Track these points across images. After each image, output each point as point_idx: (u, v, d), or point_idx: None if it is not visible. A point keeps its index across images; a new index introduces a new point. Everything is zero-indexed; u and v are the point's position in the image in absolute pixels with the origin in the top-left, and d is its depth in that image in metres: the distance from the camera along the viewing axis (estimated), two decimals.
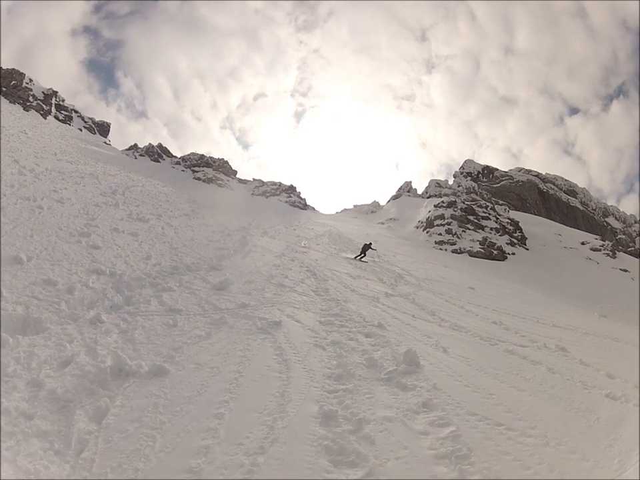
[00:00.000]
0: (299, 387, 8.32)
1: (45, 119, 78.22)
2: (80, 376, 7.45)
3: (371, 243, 33.56)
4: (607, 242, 77.60)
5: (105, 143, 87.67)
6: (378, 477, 5.92)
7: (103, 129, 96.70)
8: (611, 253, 71.85)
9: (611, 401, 9.16)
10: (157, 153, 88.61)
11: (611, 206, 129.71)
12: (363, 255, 32.05)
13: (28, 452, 5.46)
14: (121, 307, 11.28)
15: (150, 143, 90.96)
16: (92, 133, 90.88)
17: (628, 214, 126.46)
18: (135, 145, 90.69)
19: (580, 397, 9.24)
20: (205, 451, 6.03)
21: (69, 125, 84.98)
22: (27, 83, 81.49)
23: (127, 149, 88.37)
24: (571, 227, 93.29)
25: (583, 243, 74.78)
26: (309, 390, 8.29)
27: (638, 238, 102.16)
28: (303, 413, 7.38)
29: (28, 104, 77.54)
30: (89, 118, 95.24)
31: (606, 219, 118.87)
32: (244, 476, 5.62)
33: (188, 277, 15.41)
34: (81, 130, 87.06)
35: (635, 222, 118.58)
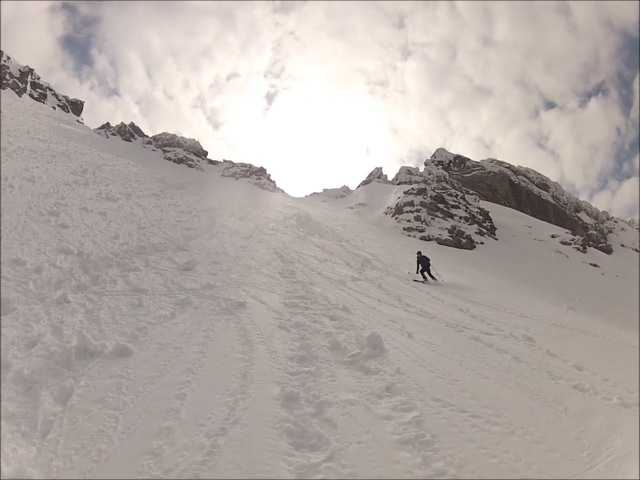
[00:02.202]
0: (262, 369, 8.34)
1: (20, 97, 77.86)
2: (46, 357, 7.45)
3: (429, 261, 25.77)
4: (577, 236, 78.37)
5: (78, 121, 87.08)
6: (340, 460, 5.93)
7: (76, 107, 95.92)
8: (581, 248, 72.71)
9: (579, 392, 9.14)
10: (129, 132, 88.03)
11: (583, 201, 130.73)
12: (423, 275, 24.92)
13: None
14: (88, 287, 11.24)
15: (122, 122, 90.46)
16: (65, 111, 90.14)
17: (600, 210, 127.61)
18: (107, 123, 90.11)
19: (547, 387, 9.22)
20: (166, 432, 6.07)
21: (43, 103, 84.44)
22: (5, 61, 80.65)
23: (99, 128, 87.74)
24: (542, 220, 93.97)
25: (553, 236, 75.53)
26: (271, 371, 8.31)
27: (610, 234, 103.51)
28: (264, 394, 7.38)
29: (4, 82, 76.78)
30: (62, 96, 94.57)
31: (577, 214, 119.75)
32: (204, 457, 5.65)
33: (155, 257, 15.46)
34: (54, 108, 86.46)
35: (608, 218, 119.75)
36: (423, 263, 25.53)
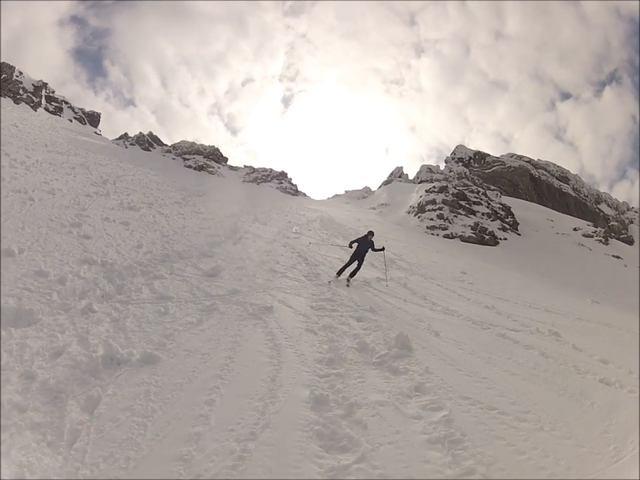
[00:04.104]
0: (290, 372, 8.33)
1: (36, 111, 78.46)
2: (72, 366, 7.42)
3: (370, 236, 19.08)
4: (599, 228, 78.01)
5: (96, 133, 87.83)
6: (370, 462, 5.89)
7: (93, 119, 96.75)
8: (603, 240, 72.29)
9: (605, 386, 9.02)
10: (148, 142, 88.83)
11: (604, 193, 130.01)
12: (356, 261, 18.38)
13: (21, 445, 5.43)
14: (113, 296, 11.24)
15: (140, 132, 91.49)
16: (82, 123, 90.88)
17: (620, 201, 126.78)
18: (126, 134, 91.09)
19: (574, 382, 9.13)
20: (195, 438, 6.04)
21: (59, 116, 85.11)
22: (17, 76, 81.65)
23: (117, 139, 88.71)
24: (563, 213, 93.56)
25: (575, 229, 75.11)
26: (300, 374, 8.30)
27: (631, 225, 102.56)
28: (294, 397, 7.37)
29: (18, 97, 77.88)
30: (79, 109, 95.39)
31: (598, 206, 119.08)
32: (235, 462, 5.62)
33: (179, 265, 15.44)
34: (71, 121, 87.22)
35: (628, 209, 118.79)
36: (359, 252, 18.65)
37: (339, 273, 17.86)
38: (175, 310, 11.08)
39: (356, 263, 18.37)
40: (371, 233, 19.41)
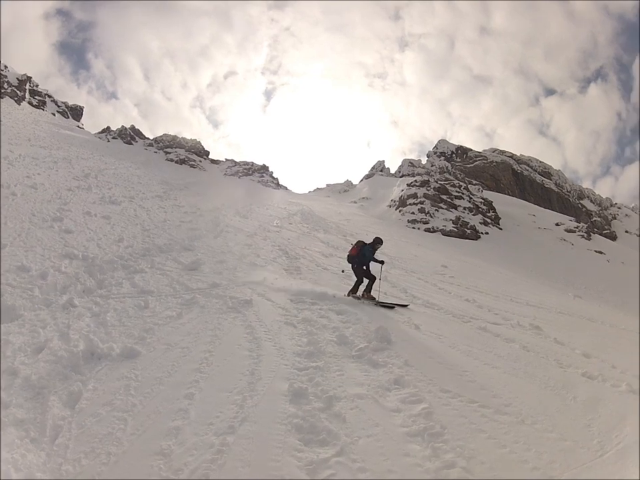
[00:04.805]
0: (269, 365, 8.35)
1: (19, 105, 78.01)
2: (53, 361, 7.46)
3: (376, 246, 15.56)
4: (581, 224, 78.41)
5: (78, 126, 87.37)
6: (349, 455, 5.87)
7: (75, 112, 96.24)
8: (585, 235, 72.82)
9: (587, 380, 9.05)
10: (130, 135, 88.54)
11: (587, 188, 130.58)
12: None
13: (5, 442, 5.45)
14: (93, 291, 11.30)
15: (123, 126, 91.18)
16: (65, 117, 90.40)
17: (604, 197, 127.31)
18: (108, 127, 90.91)
19: (555, 376, 9.10)
20: (175, 432, 6.05)
21: (43, 110, 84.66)
22: (2, 70, 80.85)
23: (99, 132, 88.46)
24: (545, 208, 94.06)
25: (557, 224, 75.65)
26: (279, 368, 8.32)
27: (614, 221, 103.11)
28: (272, 391, 7.37)
29: (2, 91, 77.04)
30: (62, 102, 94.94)
31: (581, 202, 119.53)
32: (214, 456, 5.61)
33: (160, 258, 15.56)
34: (54, 114, 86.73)
35: (611, 205, 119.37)
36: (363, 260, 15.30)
37: (353, 292, 14.74)
38: (155, 304, 11.13)
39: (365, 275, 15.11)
40: (378, 241, 15.61)
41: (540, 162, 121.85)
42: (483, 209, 68.85)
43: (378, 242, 15.67)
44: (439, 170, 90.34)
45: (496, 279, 27.38)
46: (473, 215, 65.45)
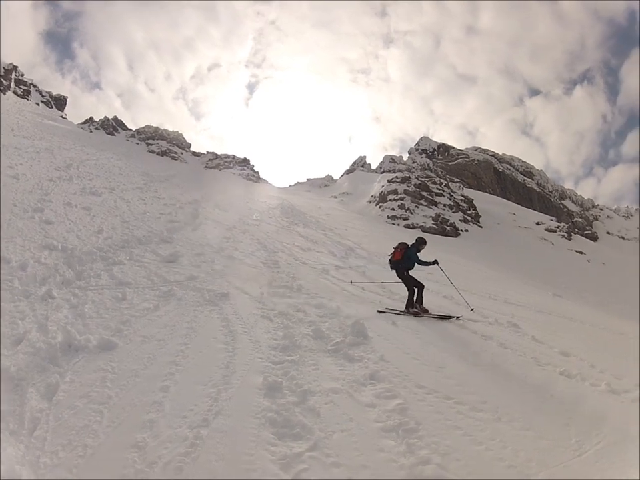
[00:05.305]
0: (244, 359, 8.37)
1: (4, 94, 77.54)
2: (32, 353, 7.48)
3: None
4: (562, 224, 78.89)
5: (62, 116, 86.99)
6: (323, 450, 5.84)
7: (59, 102, 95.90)
8: (566, 235, 73.31)
9: (565, 378, 8.94)
10: (112, 126, 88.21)
11: (568, 189, 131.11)
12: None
13: None
14: (72, 282, 11.34)
15: (105, 116, 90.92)
16: (49, 107, 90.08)
17: (585, 198, 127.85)
18: (91, 118, 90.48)
19: (533, 374, 9.07)
20: (150, 425, 6.04)
21: (27, 99, 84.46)
22: None
23: (82, 123, 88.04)
24: (526, 207, 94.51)
25: (537, 224, 76.12)
26: (254, 361, 8.33)
27: (595, 222, 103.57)
28: (247, 384, 7.38)
29: None
30: (46, 92, 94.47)
31: (562, 202, 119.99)
32: (187, 449, 5.59)
33: (138, 250, 15.61)
34: (38, 104, 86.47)
35: (593, 206, 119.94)
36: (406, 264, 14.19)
37: (411, 306, 13.34)
38: (133, 296, 11.17)
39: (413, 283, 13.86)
40: (422, 242, 14.48)
41: (522, 161, 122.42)
42: (464, 207, 69.16)
43: (422, 242, 14.44)
44: (420, 167, 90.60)
45: (475, 276, 27.52)
46: (453, 212, 65.73)
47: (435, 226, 59.63)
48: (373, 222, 54.30)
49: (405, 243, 14.41)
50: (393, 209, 62.49)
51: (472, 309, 13.98)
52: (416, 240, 14.45)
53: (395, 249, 14.34)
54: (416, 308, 13.27)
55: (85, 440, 5.65)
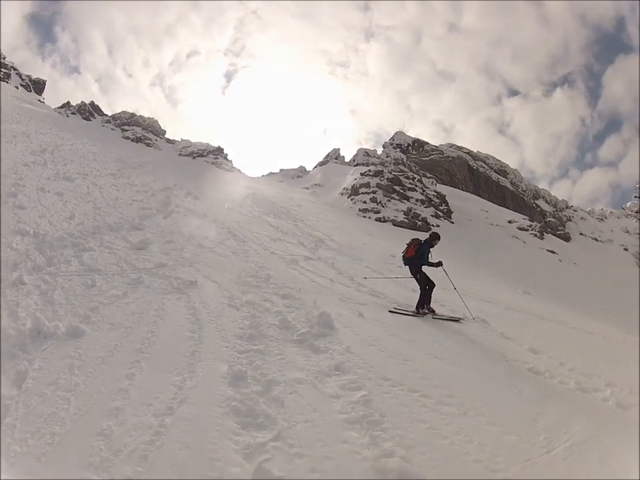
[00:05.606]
0: (210, 347, 8.45)
1: None
2: (2, 340, 7.40)
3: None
4: (535, 223, 79.39)
5: (40, 100, 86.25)
6: (287, 440, 5.83)
7: (38, 86, 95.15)
8: (538, 234, 73.79)
9: (534, 375, 9.21)
10: (89, 111, 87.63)
11: (542, 189, 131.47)
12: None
13: None
14: (43, 268, 11.34)
15: (82, 101, 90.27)
16: (28, 90, 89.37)
17: (559, 198, 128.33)
18: (68, 102, 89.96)
19: (501, 369, 9.32)
20: (115, 413, 5.98)
21: (7, 82, 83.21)
22: None
23: (59, 107, 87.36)
24: (500, 205, 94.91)
25: (510, 222, 76.53)
26: (220, 350, 8.41)
27: (568, 222, 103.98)
28: (212, 372, 7.44)
29: None
30: (26, 75, 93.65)
31: (536, 201, 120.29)
32: (152, 437, 5.61)
33: (109, 237, 15.57)
34: (17, 88, 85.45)
35: (567, 207, 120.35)
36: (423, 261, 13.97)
37: (421, 306, 13.23)
38: (102, 283, 11.19)
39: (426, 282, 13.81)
40: (436, 237, 14.28)
41: (497, 160, 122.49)
42: (436, 202, 69.45)
43: (435, 237, 14.13)
44: (393, 161, 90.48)
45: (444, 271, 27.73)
46: (425, 207, 65.99)
47: (406, 220, 59.81)
48: (344, 214, 54.28)
49: (418, 239, 14.29)
50: (364, 202, 62.53)
51: (474, 318, 13.75)
52: (430, 235, 14.32)
53: (408, 245, 14.21)
54: (425, 309, 13.25)
55: (53, 428, 5.60)
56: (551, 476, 5.83)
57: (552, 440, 6.52)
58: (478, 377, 8.79)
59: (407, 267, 14.15)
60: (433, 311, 13.22)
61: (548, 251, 68.68)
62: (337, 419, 6.46)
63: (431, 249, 13.92)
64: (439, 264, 13.67)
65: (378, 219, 59.07)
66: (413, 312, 13.07)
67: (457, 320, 13.07)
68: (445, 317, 13.16)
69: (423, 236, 14.81)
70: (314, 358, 8.62)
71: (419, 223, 60.26)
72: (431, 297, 13.44)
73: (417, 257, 13.78)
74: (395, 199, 64.45)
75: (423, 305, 13.21)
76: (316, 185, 76.20)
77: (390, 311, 12.93)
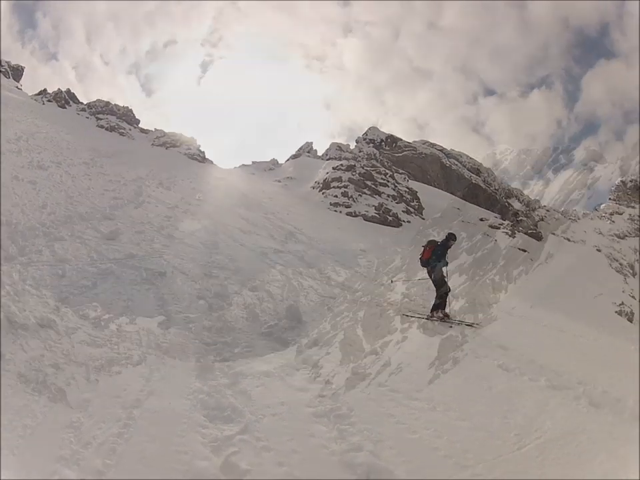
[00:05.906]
0: (178, 339, 8.56)
1: None
2: None
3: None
4: (506, 221, 79.82)
5: (17, 87, 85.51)
6: (254, 433, 5.97)
7: (17, 72, 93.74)
8: (510, 232, 74.23)
9: (504, 372, 9.02)
10: (65, 99, 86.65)
11: (515, 189, 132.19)
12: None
13: None
14: (15, 258, 11.33)
15: (59, 88, 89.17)
16: (6, 77, 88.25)
17: (532, 198, 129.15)
18: (45, 89, 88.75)
19: (471, 365, 9.17)
20: (85, 405, 6.11)
21: None
22: None
23: (36, 94, 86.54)
24: (472, 203, 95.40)
25: (481, 219, 76.77)
26: (188, 342, 8.54)
27: (540, 222, 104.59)
28: (180, 365, 7.63)
29: None
30: (5, 62, 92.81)
31: (508, 200, 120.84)
32: (120, 430, 5.70)
33: (80, 227, 15.50)
34: None
35: (539, 207, 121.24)
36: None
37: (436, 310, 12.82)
38: (72, 273, 11.28)
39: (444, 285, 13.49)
40: (451, 237, 14.31)
41: (470, 158, 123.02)
42: (407, 198, 69.41)
43: (451, 237, 14.11)
44: (366, 156, 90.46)
45: (414, 267, 27.96)
46: (396, 202, 65.91)
47: (377, 215, 59.75)
48: (315, 208, 54.16)
49: (434, 241, 14.01)
50: (336, 196, 62.39)
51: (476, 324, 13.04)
52: (446, 236, 14.16)
53: (424, 247, 13.86)
54: (440, 313, 12.77)
55: (25, 420, 5.67)
56: (523, 473, 5.78)
57: (523, 437, 6.45)
58: (447, 372, 8.73)
59: (425, 267, 13.74)
60: (447, 316, 12.78)
61: (519, 249, 69.25)
62: (304, 413, 6.66)
63: (447, 250, 13.71)
64: (445, 264, 13.50)
65: (349, 214, 58.94)
66: (427, 316, 12.68)
67: (470, 325, 12.48)
68: (456, 322, 12.62)
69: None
70: (281, 351, 8.87)
71: (390, 218, 60.23)
72: (446, 301, 13.05)
73: (432, 259, 13.46)
74: (366, 193, 64.35)
75: (438, 309, 12.79)
76: (288, 178, 75.82)
77: (404, 315, 12.61)
